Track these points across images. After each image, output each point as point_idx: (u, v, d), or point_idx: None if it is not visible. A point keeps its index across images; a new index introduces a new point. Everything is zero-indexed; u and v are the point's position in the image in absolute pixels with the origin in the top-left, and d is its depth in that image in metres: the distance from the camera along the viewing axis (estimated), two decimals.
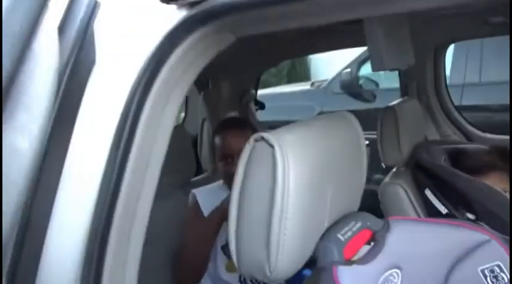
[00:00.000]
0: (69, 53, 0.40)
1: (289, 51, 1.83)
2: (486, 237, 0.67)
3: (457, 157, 1.32)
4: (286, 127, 0.60)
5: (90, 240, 0.42)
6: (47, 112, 0.27)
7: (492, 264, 0.66)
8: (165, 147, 0.49)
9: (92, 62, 0.42)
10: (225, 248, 1.17)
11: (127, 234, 0.46)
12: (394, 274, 0.67)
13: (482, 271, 0.66)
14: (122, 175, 0.44)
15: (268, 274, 0.55)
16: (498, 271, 0.65)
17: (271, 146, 0.54)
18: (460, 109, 1.81)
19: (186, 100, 2.21)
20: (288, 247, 0.53)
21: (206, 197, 1.21)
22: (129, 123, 0.43)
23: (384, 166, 1.90)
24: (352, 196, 0.70)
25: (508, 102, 2.89)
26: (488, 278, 0.66)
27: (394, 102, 1.41)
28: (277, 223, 0.53)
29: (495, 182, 1.19)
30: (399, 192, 1.28)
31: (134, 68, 0.44)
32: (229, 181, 1.19)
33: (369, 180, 2.14)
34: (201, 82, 2.07)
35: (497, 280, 0.65)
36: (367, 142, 2.07)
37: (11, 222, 0.28)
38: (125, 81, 0.44)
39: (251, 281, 1.20)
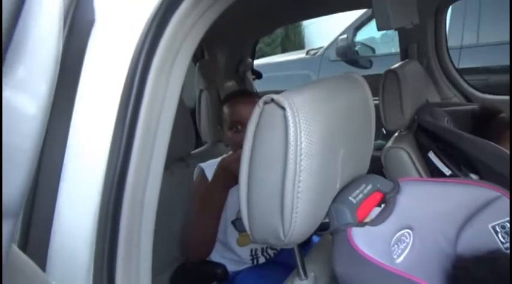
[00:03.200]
0: (65, 11, 0.37)
1: (286, 17, 1.77)
2: (497, 193, 0.67)
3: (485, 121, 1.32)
4: (295, 89, 0.58)
5: (101, 213, 0.40)
6: (51, 70, 0.24)
7: (503, 220, 0.66)
8: (173, 113, 0.47)
9: (92, 22, 0.39)
10: (236, 222, 1.16)
11: (139, 205, 0.44)
12: (406, 234, 0.67)
13: (494, 227, 0.66)
14: (130, 144, 0.42)
15: (283, 238, 0.54)
16: (509, 226, 0.65)
17: (282, 108, 0.52)
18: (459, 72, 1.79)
19: None
20: (302, 209, 0.53)
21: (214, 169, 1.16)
22: (135, 89, 0.41)
23: (384, 132, 1.89)
24: (362, 158, 0.69)
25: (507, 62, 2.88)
26: (500, 234, 0.66)
27: (396, 65, 1.38)
28: (290, 185, 0.52)
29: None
30: (402, 155, 1.27)
31: (136, 29, 0.41)
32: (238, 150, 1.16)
33: None
34: (196, 53, 2.02)
35: (508, 235, 0.65)
36: None
37: (22, 192, 0.26)
38: (127, 43, 0.41)
39: (263, 255, 1.20)
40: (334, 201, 0.62)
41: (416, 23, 1.06)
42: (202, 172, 1.18)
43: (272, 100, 0.53)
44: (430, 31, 1.62)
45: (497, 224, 0.66)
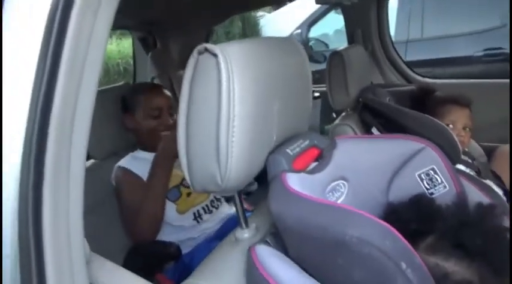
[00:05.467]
0: None
1: (237, 5, 1.80)
2: (421, 145, 0.73)
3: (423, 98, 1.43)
4: (230, 41, 0.60)
5: (25, 150, 0.40)
6: None
7: (427, 168, 0.72)
8: (100, 55, 0.47)
9: None
10: (167, 194, 1.19)
11: (67, 142, 0.43)
12: (341, 185, 0.71)
13: (419, 176, 0.72)
14: (54, 83, 0.41)
15: (220, 183, 0.56)
16: (433, 173, 0.71)
17: (215, 55, 0.54)
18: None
19: (134, 61, 2.13)
20: (237, 153, 0.55)
21: (135, 164, 1.22)
22: (56, 27, 0.41)
23: (334, 116, 1.97)
24: (299, 115, 0.72)
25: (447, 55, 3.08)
26: (425, 181, 0.72)
27: (341, 48, 1.45)
28: (224, 130, 0.54)
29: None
30: (348, 131, 1.33)
31: None
32: (156, 138, 1.22)
33: (322, 131, 2.21)
34: (148, 42, 2.01)
35: (432, 181, 0.71)
36: (318, 94, 2.12)
37: None
38: None
39: (205, 212, 1.23)
40: (271, 152, 0.64)
41: (355, 2, 1.12)
42: (123, 169, 1.22)
43: (206, 49, 0.55)
44: (373, 18, 1.71)
45: (422, 173, 0.72)
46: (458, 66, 3.05)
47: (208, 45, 0.55)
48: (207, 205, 1.25)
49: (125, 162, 1.25)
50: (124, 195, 1.20)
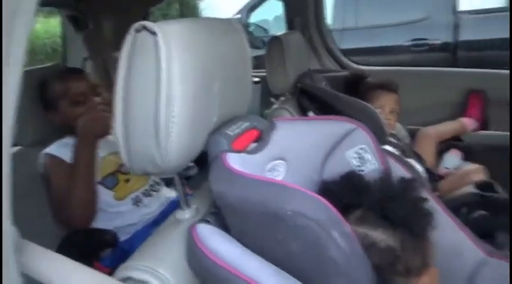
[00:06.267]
0: None
1: None
2: (353, 126, 0.78)
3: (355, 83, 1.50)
4: (169, 20, 0.59)
5: None
6: None
7: (358, 147, 0.77)
8: (26, 36, 0.44)
9: None
10: (104, 181, 1.16)
11: None
12: (279, 164, 0.74)
13: (350, 155, 0.77)
14: None
15: (160, 163, 0.56)
16: (363, 152, 0.77)
17: (154, 33, 0.53)
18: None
19: (64, 41, 2.00)
20: (176, 133, 0.55)
21: (62, 151, 1.16)
22: None
23: (273, 101, 2.02)
24: (239, 97, 0.73)
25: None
26: (355, 160, 0.77)
27: (280, 33, 1.48)
28: (164, 109, 0.53)
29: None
30: (286, 115, 1.38)
31: None
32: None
33: (261, 115, 2.26)
34: (79, 21, 1.89)
35: (361, 159, 0.77)
36: (258, 79, 2.15)
37: None
38: None
39: (145, 196, 1.22)
40: (211, 133, 0.65)
41: None
42: (50, 156, 1.16)
43: (144, 27, 0.54)
44: (311, 6, 1.76)
45: (353, 151, 0.77)
46: (389, 55, 3.26)
47: (147, 23, 0.54)
48: (146, 190, 1.22)
49: (51, 149, 1.18)
50: (52, 179, 1.14)
